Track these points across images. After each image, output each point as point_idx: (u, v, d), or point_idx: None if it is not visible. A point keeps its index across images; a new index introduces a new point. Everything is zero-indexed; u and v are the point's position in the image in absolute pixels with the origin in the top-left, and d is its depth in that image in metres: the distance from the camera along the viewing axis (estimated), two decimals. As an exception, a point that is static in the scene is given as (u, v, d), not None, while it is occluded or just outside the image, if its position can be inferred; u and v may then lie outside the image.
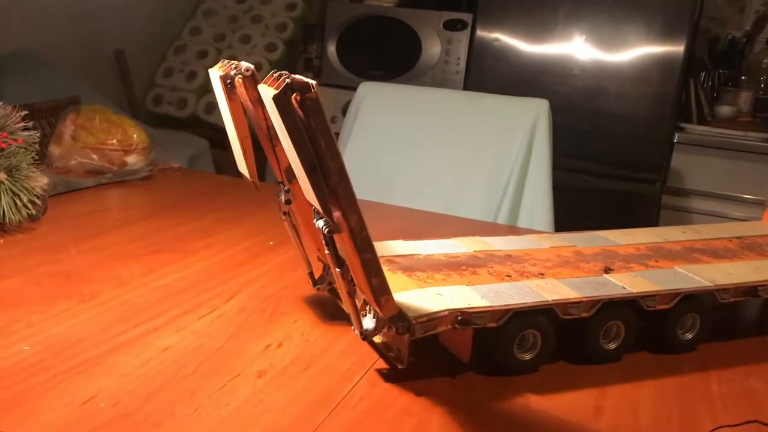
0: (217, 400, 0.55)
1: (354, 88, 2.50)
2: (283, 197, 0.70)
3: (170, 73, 2.80)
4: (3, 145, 0.88)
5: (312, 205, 0.57)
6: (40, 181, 0.92)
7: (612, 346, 0.68)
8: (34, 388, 0.54)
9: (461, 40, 2.34)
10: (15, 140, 0.90)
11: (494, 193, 1.25)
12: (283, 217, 0.72)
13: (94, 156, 1.22)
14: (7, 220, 0.87)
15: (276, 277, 0.82)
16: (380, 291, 0.56)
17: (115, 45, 2.67)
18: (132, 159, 1.25)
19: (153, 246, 0.90)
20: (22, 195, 0.88)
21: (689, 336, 0.71)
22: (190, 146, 2.08)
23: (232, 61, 0.68)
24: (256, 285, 0.80)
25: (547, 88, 2.18)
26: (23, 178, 0.89)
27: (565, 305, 0.64)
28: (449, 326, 0.59)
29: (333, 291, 0.74)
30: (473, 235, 0.83)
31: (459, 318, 0.59)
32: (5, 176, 0.87)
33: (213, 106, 2.72)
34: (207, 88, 2.77)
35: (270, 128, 0.66)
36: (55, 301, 0.70)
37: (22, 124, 0.93)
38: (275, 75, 0.54)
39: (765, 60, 2.41)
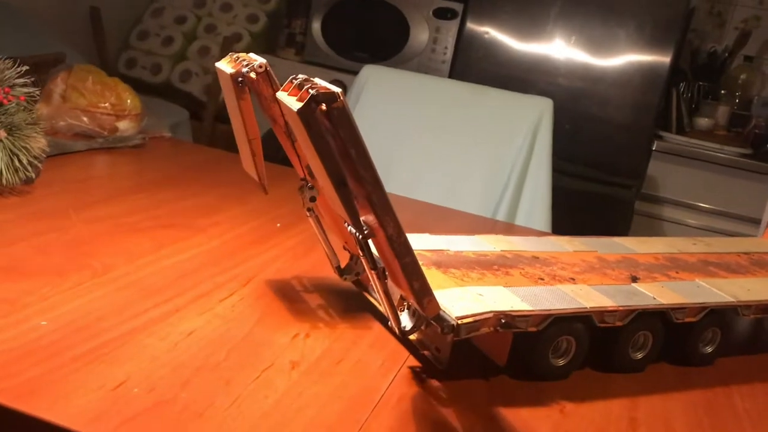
0: (255, 391, 0.53)
1: (337, 68, 2.49)
2: (307, 194, 0.67)
3: (145, 37, 2.70)
4: (5, 101, 0.82)
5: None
6: (41, 142, 0.86)
7: (639, 356, 0.68)
8: (60, 368, 0.51)
9: (450, 29, 2.32)
10: (16, 96, 0.85)
11: (494, 188, 1.24)
12: (308, 213, 0.69)
13: (85, 119, 1.16)
14: (3, 181, 0.82)
15: (290, 261, 0.80)
16: (422, 293, 0.55)
17: (91, 1, 2.56)
18: (123, 125, 1.20)
19: (159, 220, 0.86)
20: (21, 155, 0.83)
21: (709, 350, 0.71)
22: (170, 115, 2.01)
23: (242, 55, 0.64)
24: (271, 268, 0.77)
25: (533, 85, 2.19)
26: (23, 137, 0.84)
27: (602, 313, 0.63)
28: (491, 328, 0.58)
29: (359, 283, 0.72)
30: (474, 230, 0.82)
31: (502, 321, 0.58)
32: (5, 134, 0.82)
33: (188, 74, 2.64)
34: (183, 55, 2.69)
35: (288, 124, 0.63)
36: (66, 273, 0.66)
37: (22, 79, 0.88)
38: (296, 83, 0.51)
39: (742, 76, 2.47)
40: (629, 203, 2.16)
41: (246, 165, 0.70)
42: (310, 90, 0.48)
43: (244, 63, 0.62)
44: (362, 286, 0.73)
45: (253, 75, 0.62)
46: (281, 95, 0.52)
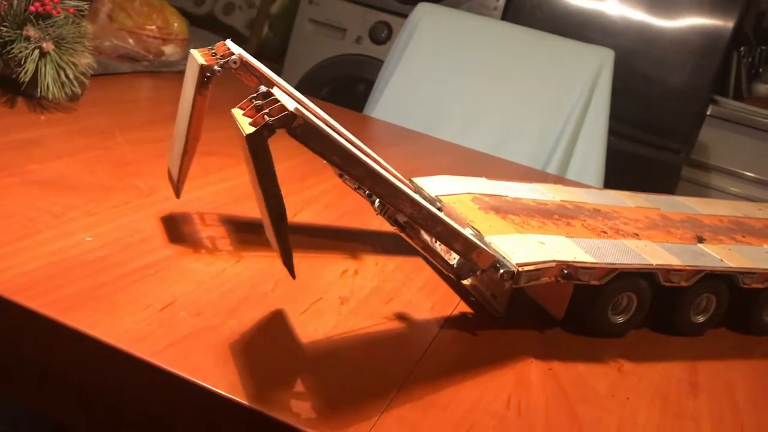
0: (304, 323, 0.51)
1: (383, 9, 2.41)
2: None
3: (190, -34, 2.65)
4: (54, 12, 0.79)
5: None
6: (87, 58, 0.84)
7: (701, 319, 0.64)
8: (106, 285, 0.49)
9: (504, -25, 2.23)
10: (65, 9, 0.82)
11: (546, 139, 1.19)
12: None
13: (131, 40, 1.13)
14: (50, 95, 0.80)
15: (337, 199, 0.77)
16: (468, 249, 0.53)
17: (137, -74, 2.50)
18: (169, 49, 1.17)
19: (202, 146, 0.82)
20: (68, 70, 0.81)
21: (772, 319, 0.68)
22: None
23: (219, 49, 0.58)
24: (318, 205, 0.74)
25: (587, 40, 2.09)
26: (70, 51, 0.81)
27: (668, 271, 0.60)
28: (552, 278, 0.55)
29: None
30: (524, 180, 0.78)
31: (565, 271, 0.55)
32: (53, 46, 0.79)
33: (232, 7, 2.59)
34: (228, -13, 2.63)
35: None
36: (111, 191, 0.64)
37: (71, -8, 0.85)
38: (255, 102, 0.45)
39: (807, 44, 2.35)
40: (676, 168, 2.09)
41: (171, 161, 0.64)
42: (265, 115, 0.43)
43: (219, 58, 0.57)
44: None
45: (230, 70, 0.57)
46: (236, 113, 0.47)
